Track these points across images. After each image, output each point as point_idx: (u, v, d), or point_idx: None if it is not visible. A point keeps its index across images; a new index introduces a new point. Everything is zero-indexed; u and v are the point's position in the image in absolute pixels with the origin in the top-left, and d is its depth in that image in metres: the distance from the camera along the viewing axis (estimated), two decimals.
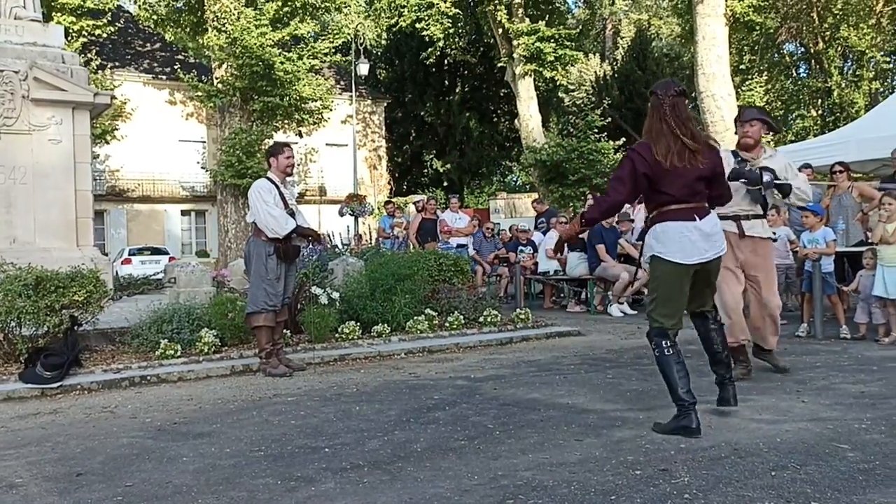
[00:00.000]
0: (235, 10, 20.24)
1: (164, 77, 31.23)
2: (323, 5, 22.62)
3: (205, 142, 32.40)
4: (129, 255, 26.78)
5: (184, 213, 33.42)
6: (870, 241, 7.85)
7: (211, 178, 24.46)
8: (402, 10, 25.57)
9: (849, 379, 5.29)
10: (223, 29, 20.08)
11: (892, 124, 11.02)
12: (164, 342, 6.66)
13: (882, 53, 31.64)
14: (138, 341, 6.92)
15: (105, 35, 22.07)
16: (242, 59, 19.78)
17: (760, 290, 5.47)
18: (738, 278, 5.43)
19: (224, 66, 20.84)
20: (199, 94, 21.42)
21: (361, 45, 28.86)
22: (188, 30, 22.41)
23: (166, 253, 27.56)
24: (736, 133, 5.68)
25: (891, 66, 33.29)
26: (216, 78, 21.35)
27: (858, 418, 4.13)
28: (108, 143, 25.96)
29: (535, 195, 22.59)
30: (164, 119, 31.52)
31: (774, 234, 6.12)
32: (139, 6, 22.13)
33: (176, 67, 22.62)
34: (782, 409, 4.43)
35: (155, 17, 22.13)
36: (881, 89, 31.29)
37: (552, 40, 25.17)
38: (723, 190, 4.24)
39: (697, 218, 4.01)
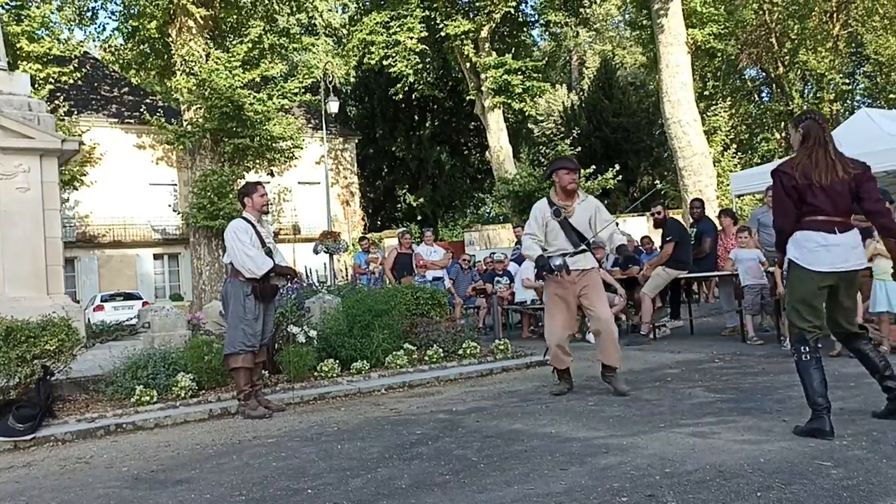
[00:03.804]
0: (204, 51, 20.30)
1: (132, 121, 31.11)
2: (291, 46, 22.78)
3: (176, 184, 32.23)
4: (102, 301, 26.39)
5: (156, 256, 33.10)
6: None
7: (183, 221, 24.28)
8: (370, 47, 25.80)
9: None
10: (191, 71, 20.10)
11: (853, 144, 11.21)
12: (140, 388, 6.54)
13: (840, 75, 32.48)
14: (113, 389, 6.79)
15: (72, 81, 22.00)
16: (211, 101, 19.79)
17: (594, 309, 6.03)
18: (567, 308, 6.12)
19: (193, 108, 20.83)
20: (169, 136, 21.36)
21: (331, 83, 29.01)
22: (155, 73, 22.41)
23: (139, 298, 27.22)
24: (551, 179, 6.19)
25: (849, 87, 34.15)
26: (185, 120, 21.32)
27: (839, 435, 4.15)
28: (76, 188, 25.77)
29: (508, 226, 22.71)
30: (134, 163, 31.34)
31: (600, 261, 7.28)
32: (105, 51, 22.11)
33: (142, 111, 22.52)
34: (764, 429, 4.45)
35: (121, 61, 22.12)
36: (841, 110, 32.04)
37: (519, 73, 25.53)
38: (871, 206, 4.34)
39: (838, 231, 4.25)
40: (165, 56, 21.46)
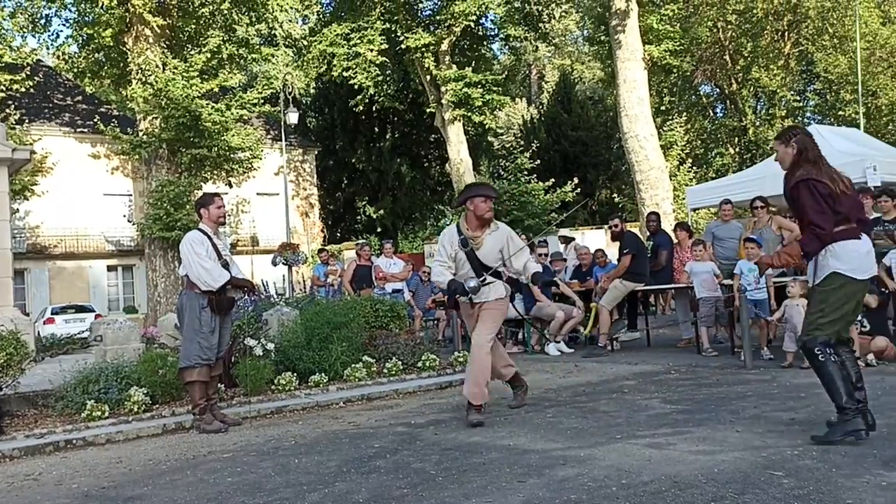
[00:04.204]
0: (161, 61, 20.04)
1: (86, 130, 30.57)
2: (251, 56, 22.61)
3: (131, 195, 31.72)
4: (53, 314, 25.78)
5: (110, 268, 32.46)
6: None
7: (138, 232, 23.88)
8: (331, 58, 25.74)
9: (780, 407, 5.43)
10: (147, 81, 19.82)
11: None
12: (91, 403, 6.39)
13: (791, 93, 33.31)
14: (63, 404, 6.63)
15: (24, 89, 21.55)
16: (168, 111, 19.53)
17: (474, 332, 5.80)
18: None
19: (149, 117, 20.53)
20: (124, 146, 21.01)
21: (290, 94, 28.87)
22: (110, 82, 22.05)
23: (92, 310, 26.65)
24: (465, 206, 5.76)
25: (800, 104, 35.03)
26: (141, 130, 21.01)
27: (791, 445, 4.23)
28: (27, 199, 25.17)
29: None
30: (88, 173, 30.75)
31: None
32: (58, 59, 21.70)
33: (96, 120, 22.13)
34: (718, 440, 4.51)
35: (75, 69, 21.73)
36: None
37: (479, 86, 25.71)
38: (864, 217, 4.57)
39: (863, 235, 4.35)
40: (121, 65, 21.12)
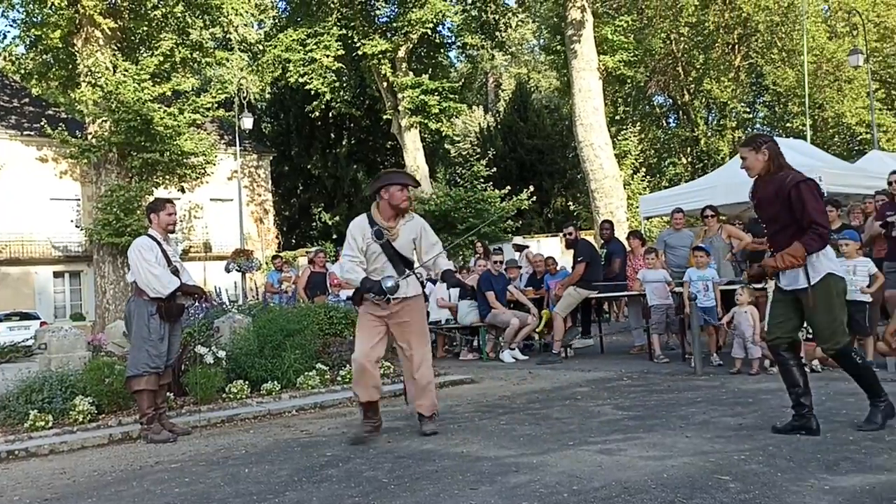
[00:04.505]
0: (111, 63, 19.65)
1: (32, 133, 29.82)
2: (205, 60, 22.31)
3: (79, 199, 31.02)
4: None
5: (56, 274, 31.67)
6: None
7: (87, 238, 23.35)
8: (286, 64, 25.53)
9: (728, 412, 5.52)
10: (97, 83, 19.42)
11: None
12: (34, 413, 6.22)
13: (742, 104, 34.09)
14: (5, 413, 6.45)
15: None
16: (118, 114, 19.16)
17: (411, 351, 5.29)
18: (381, 333, 5.30)
19: (98, 121, 20.11)
20: (72, 149, 20.54)
21: (245, 99, 28.55)
22: (58, 84, 21.55)
23: (37, 318, 25.99)
24: (379, 195, 5.28)
25: (750, 115, 35.87)
26: (90, 133, 20.56)
27: (738, 450, 4.30)
28: None
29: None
30: (34, 177, 30.01)
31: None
32: (4, 60, 21.13)
33: (43, 123, 21.61)
34: (668, 445, 4.56)
35: (22, 71, 21.19)
36: (742, 137, 33.52)
37: (436, 93, 25.74)
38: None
39: None
40: (70, 67, 20.65)
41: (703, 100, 35.17)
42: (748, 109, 35.53)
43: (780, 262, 4.48)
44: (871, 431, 4.49)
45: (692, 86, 34.85)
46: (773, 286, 4.87)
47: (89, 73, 19.64)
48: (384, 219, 5.26)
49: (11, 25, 26.13)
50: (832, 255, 4.53)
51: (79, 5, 18.98)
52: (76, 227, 27.87)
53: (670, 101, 37.90)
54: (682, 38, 33.32)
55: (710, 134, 34.66)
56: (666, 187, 28.19)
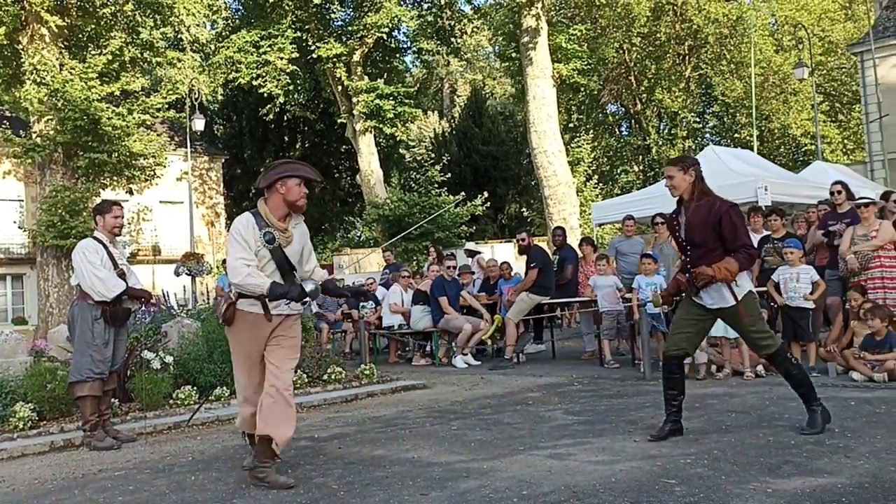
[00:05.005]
0: (58, 61, 19.18)
1: None
2: (155, 60, 21.90)
3: (22, 200, 30.17)
4: None
5: None
6: None
7: (30, 239, 22.71)
8: (238, 66, 25.23)
9: None
10: (43, 81, 18.93)
11: None
12: None
13: (692, 114, 34.76)
14: None
15: None
16: (65, 113, 18.69)
17: (277, 368, 4.37)
18: (259, 360, 4.47)
19: (44, 119, 19.59)
20: (16, 149, 19.97)
21: (197, 100, 28.12)
22: (2, 82, 20.93)
23: None
24: (273, 190, 4.42)
25: (700, 125, 36.58)
26: (34, 132, 20.02)
27: (684, 454, 4.37)
28: None
29: (378, 250, 22.72)
30: None
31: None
32: None
33: None
34: (616, 450, 4.62)
35: None
36: (692, 146, 34.22)
37: (391, 98, 25.69)
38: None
39: None
40: (14, 64, 20.08)
41: (655, 109, 35.78)
42: (698, 119, 36.23)
43: (719, 273, 4.63)
44: (812, 435, 4.63)
45: (644, 95, 35.44)
46: (684, 300, 4.98)
47: (35, 71, 19.11)
48: (276, 218, 4.39)
49: None
50: (748, 274, 4.88)
51: (25, 2, 18.50)
52: (19, 228, 27.10)
53: (623, 109, 38.47)
54: (634, 48, 33.87)
55: (661, 143, 35.26)
56: (618, 195, 28.57)
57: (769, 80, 32.10)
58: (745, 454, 4.30)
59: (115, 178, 20.92)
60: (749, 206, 10.10)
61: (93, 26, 20.56)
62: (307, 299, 4.50)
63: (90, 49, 20.81)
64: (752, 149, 21.83)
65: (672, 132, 35.15)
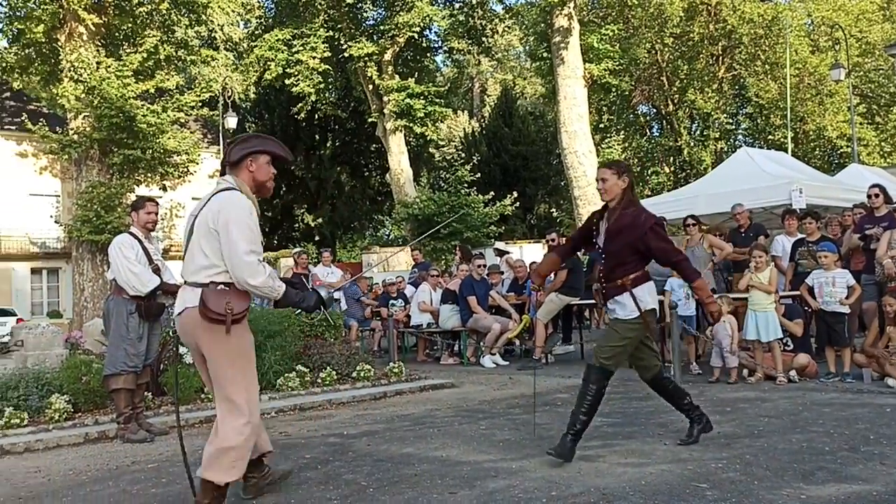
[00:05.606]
0: (95, 59, 19.49)
1: (13, 128, 29.51)
2: (189, 58, 22.17)
3: (59, 196, 30.73)
4: None
5: (34, 271, 31.35)
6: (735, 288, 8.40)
7: (66, 234, 23.11)
8: (270, 64, 25.45)
9: None
10: (80, 79, 19.25)
11: (734, 181, 11.91)
12: (9, 410, 6.15)
13: (725, 115, 34.39)
14: None
15: None
16: (101, 110, 19.00)
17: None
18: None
19: (80, 116, 19.93)
20: (53, 145, 20.34)
21: (229, 98, 28.42)
22: (40, 79, 21.32)
23: (13, 314, 25.72)
24: (243, 167, 3.80)
25: (733, 126, 36.18)
26: (71, 129, 20.38)
27: (715, 458, 4.33)
28: None
29: (407, 249, 22.79)
30: (13, 172, 29.72)
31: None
32: None
33: (24, 118, 21.38)
34: (646, 453, 4.59)
35: (3, 65, 20.95)
36: (725, 148, 33.87)
37: (422, 97, 25.76)
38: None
39: None
40: (52, 61, 20.47)
41: (687, 110, 35.45)
42: (731, 120, 35.86)
43: (714, 305, 4.67)
44: (686, 444, 4.64)
45: (676, 96, 35.13)
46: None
47: (72, 69, 19.46)
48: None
49: None
50: (652, 290, 4.59)
51: (63, 0, 18.83)
52: (55, 223, 27.62)
53: (654, 110, 38.17)
54: (666, 49, 33.59)
55: (692, 144, 34.94)
56: (648, 196, 28.33)
57: (805, 82, 31.65)
58: (777, 459, 4.25)
59: (149, 174, 21.23)
60: (783, 209, 9.98)
61: (129, 25, 20.88)
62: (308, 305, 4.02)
63: (126, 47, 21.13)
64: (786, 151, 21.57)
65: (704, 133, 34.81)
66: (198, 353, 3.80)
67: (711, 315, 4.76)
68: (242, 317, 3.67)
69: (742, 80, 34.68)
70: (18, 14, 19.98)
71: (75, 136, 20.07)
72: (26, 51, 20.80)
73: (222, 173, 3.86)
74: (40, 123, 20.75)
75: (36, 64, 20.97)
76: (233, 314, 3.58)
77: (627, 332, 4.50)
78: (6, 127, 30.05)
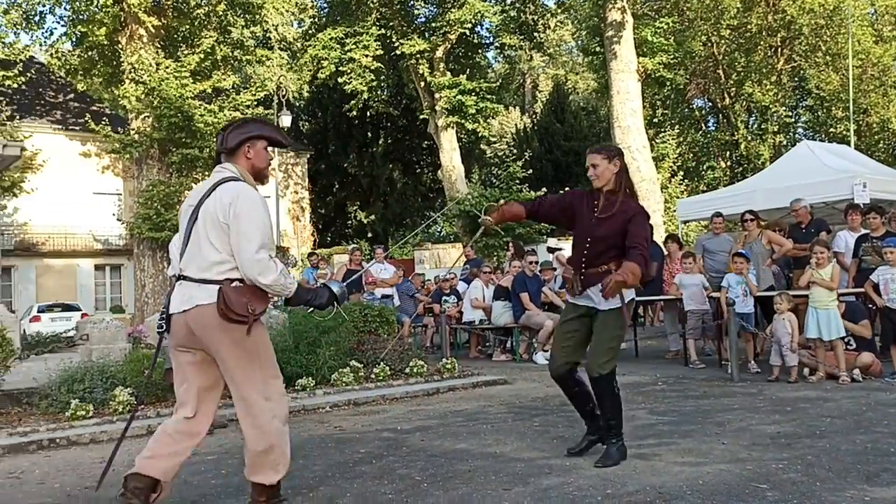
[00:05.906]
0: (154, 60, 19.98)
1: (77, 128, 30.44)
2: (245, 58, 22.57)
3: (120, 194, 31.60)
4: (39, 311, 25.67)
5: (98, 267, 32.31)
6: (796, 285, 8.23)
7: (127, 231, 23.77)
8: (324, 62, 25.73)
9: (765, 420, 5.44)
10: (140, 80, 19.76)
11: (794, 175, 11.64)
12: (76, 402, 6.34)
13: (784, 108, 33.53)
14: (47, 402, 6.58)
15: (15, 85, 21.44)
16: (160, 111, 19.47)
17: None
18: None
19: (141, 117, 20.46)
20: (115, 144, 20.92)
21: (284, 97, 28.83)
22: (102, 81, 21.93)
23: (78, 309, 26.54)
24: (241, 154, 3.62)
25: (792, 119, 35.26)
26: (132, 129, 20.93)
27: (775, 458, 4.24)
28: (16, 195, 25.03)
29: (459, 245, 22.83)
30: (78, 171, 30.65)
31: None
32: (51, 56, 21.58)
33: (87, 119, 22.06)
34: (703, 452, 4.52)
35: (67, 67, 21.62)
36: (784, 142, 33.03)
37: (473, 93, 25.74)
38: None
39: None
40: (114, 63, 21.04)
41: (744, 103, 34.66)
42: (790, 113, 34.93)
43: (629, 279, 4.02)
44: (605, 467, 4.22)
45: (733, 89, 34.37)
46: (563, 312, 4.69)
47: (133, 70, 19.99)
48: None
49: (58, 22, 26.64)
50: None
51: (124, 3, 19.33)
52: (117, 220, 28.41)
53: (710, 104, 37.41)
54: (723, 41, 32.88)
55: (750, 138, 34.15)
56: (704, 191, 27.85)
57: (868, 73, 30.66)
58: (840, 460, 4.14)
59: (206, 173, 21.62)
60: (847, 204, 9.71)
61: (187, 26, 21.34)
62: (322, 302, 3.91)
63: (183, 48, 21.60)
64: (848, 144, 20.96)
65: (762, 127, 34.00)
66: (198, 352, 3.62)
67: (603, 286, 4.15)
68: (261, 315, 3.54)
69: (802, 72, 33.76)
70: (82, 17, 20.58)
71: (136, 136, 20.61)
72: (89, 53, 21.43)
73: (217, 161, 3.68)
74: (103, 123, 21.35)
75: (98, 66, 21.59)
76: (254, 314, 3.45)
77: (616, 323, 4.36)
78: (71, 127, 30.99)
